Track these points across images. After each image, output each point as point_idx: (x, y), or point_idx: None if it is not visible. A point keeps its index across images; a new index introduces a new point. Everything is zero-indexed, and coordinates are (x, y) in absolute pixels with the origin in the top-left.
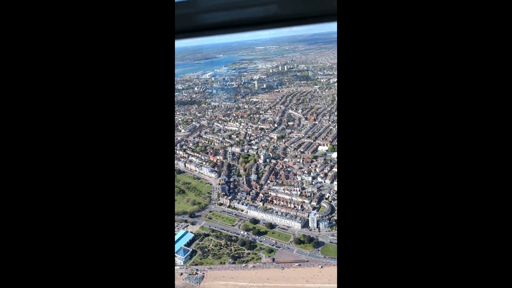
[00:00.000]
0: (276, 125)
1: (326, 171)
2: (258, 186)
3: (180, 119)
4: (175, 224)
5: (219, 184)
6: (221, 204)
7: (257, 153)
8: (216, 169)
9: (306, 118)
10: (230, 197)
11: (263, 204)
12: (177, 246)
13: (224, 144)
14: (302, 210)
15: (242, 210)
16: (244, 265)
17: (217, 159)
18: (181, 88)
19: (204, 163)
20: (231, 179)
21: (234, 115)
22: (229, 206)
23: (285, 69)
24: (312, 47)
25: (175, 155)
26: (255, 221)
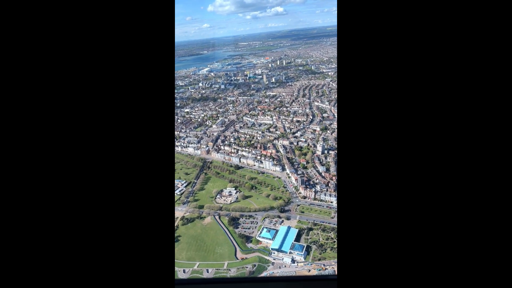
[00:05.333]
0: (311, 117)
1: None
2: (332, 177)
3: (203, 115)
4: (269, 220)
5: (289, 177)
6: (304, 197)
7: (308, 144)
8: (275, 162)
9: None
10: (314, 190)
11: None
12: (288, 243)
13: (268, 137)
14: None
15: (331, 202)
16: None
17: (270, 153)
18: (182, 84)
19: (259, 157)
20: (299, 172)
21: (259, 109)
22: (315, 199)
23: (284, 63)
24: (297, 42)
25: (221, 151)
26: None
